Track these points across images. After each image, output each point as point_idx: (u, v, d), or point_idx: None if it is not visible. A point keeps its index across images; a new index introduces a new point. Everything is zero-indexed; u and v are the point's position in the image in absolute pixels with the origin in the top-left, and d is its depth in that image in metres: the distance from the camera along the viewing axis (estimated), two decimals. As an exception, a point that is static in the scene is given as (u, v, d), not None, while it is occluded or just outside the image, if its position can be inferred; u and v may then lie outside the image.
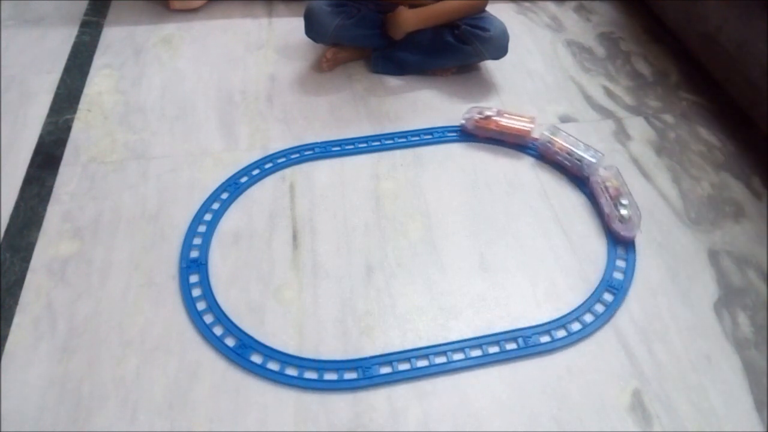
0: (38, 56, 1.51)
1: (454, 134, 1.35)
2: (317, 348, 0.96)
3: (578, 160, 1.23)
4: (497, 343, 0.98)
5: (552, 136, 1.27)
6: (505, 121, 1.29)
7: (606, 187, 1.18)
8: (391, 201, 1.20)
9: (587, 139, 1.35)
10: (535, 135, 1.30)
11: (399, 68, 1.49)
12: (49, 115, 1.34)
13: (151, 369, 0.92)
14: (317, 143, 1.30)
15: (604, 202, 1.17)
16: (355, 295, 1.03)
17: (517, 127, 1.29)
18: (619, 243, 1.13)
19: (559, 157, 1.25)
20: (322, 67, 1.49)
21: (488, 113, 1.29)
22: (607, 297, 1.05)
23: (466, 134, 1.32)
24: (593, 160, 1.23)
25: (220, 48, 1.56)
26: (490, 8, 1.43)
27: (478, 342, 0.97)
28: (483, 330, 0.99)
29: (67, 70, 1.47)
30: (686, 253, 1.13)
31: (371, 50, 1.50)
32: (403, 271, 1.08)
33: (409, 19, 1.37)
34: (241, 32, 1.62)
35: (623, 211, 1.13)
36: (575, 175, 1.25)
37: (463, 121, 1.31)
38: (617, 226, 1.13)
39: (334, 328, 0.99)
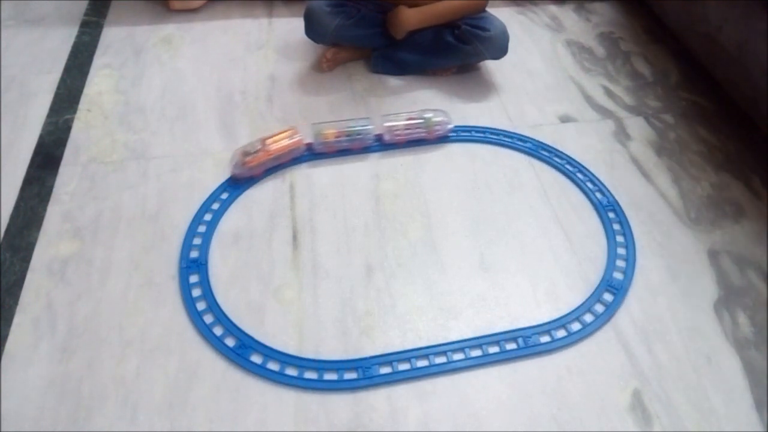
0: (38, 56, 1.51)
1: (454, 134, 1.35)
2: (317, 348, 0.96)
3: (357, 135, 1.26)
4: (497, 343, 0.98)
5: (322, 132, 1.26)
6: (274, 146, 1.22)
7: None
8: (391, 201, 1.20)
9: (587, 139, 1.35)
10: (308, 140, 1.27)
11: (399, 68, 1.49)
12: (49, 115, 1.34)
13: (151, 369, 0.92)
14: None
15: None
16: (355, 295, 1.03)
17: (287, 144, 1.23)
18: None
19: (338, 145, 1.26)
20: (322, 67, 1.49)
21: (252, 149, 1.20)
22: (607, 297, 1.05)
23: (241, 181, 1.20)
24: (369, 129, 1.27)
25: (220, 48, 1.56)
26: (490, 8, 1.43)
27: (478, 342, 0.97)
28: (483, 330, 0.99)
29: (67, 70, 1.47)
30: (686, 253, 1.13)
31: (371, 50, 1.50)
32: (403, 271, 1.08)
33: (410, 18, 1.37)
34: (241, 32, 1.62)
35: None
36: (360, 148, 1.27)
37: (235, 172, 1.20)
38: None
39: (334, 328, 0.99)
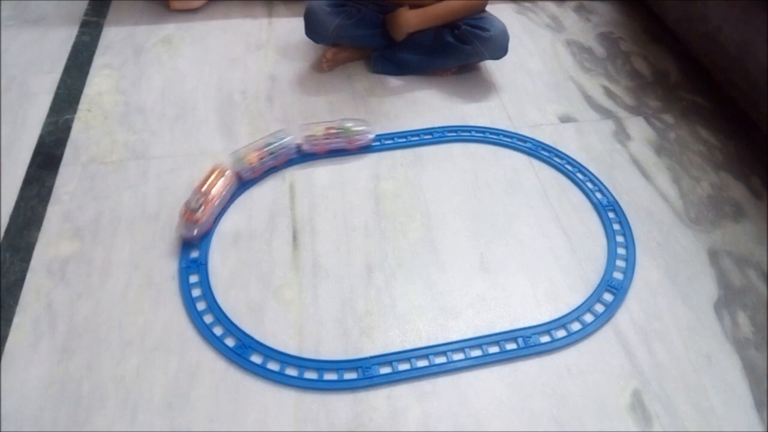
0: (38, 56, 1.51)
1: (454, 134, 1.35)
2: (317, 348, 0.96)
3: (281, 149, 1.21)
4: (497, 343, 0.98)
5: (244, 158, 1.16)
6: (213, 192, 1.12)
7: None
8: (391, 201, 1.20)
9: (587, 139, 1.35)
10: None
11: (399, 68, 1.49)
12: (49, 115, 1.34)
13: (151, 369, 0.92)
14: (317, 143, 1.30)
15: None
16: (355, 295, 1.03)
17: (222, 184, 1.14)
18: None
19: (264, 166, 1.19)
20: (322, 67, 1.49)
21: (196, 205, 1.08)
22: (607, 297, 1.05)
23: (195, 241, 1.09)
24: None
25: (220, 48, 1.56)
26: (490, 8, 1.43)
27: (478, 342, 0.97)
28: (483, 330, 0.99)
29: (67, 70, 1.47)
30: (686, 253, 1.13)
31: (371, 50, 1.50)
32: (403, 271, 1.08)
33: (410, 20, 1.37)
34: (241, 32, 1.62)
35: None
36: (285, 162, 1.22)
37: (187, 235, 1.08)
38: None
39: (334, 328, 0.99)
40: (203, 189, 1.10)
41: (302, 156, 1.25)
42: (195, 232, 1.06)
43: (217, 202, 1.11)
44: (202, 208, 1.07)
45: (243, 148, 1.21)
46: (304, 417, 0.88)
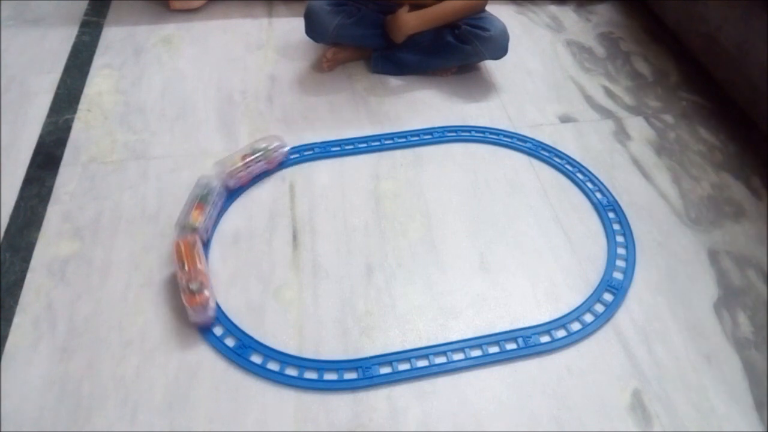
0: (38, 56, 1.51)
1: (454, 134, 1.35)
2: (317, 348, 0.96)
3: (214, 199, 1.11)
4: (497, 343, 0.98)
5: (190, 223, 1.06)
6: (199, 266, 1.00)
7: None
8: (391, 201, 1.20)
9: (587, 139, 1.35)
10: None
11: (399, 68, 1.49)
12: (49, 115, 1.34)
13: (151, 369, 0.92)
14: (317, 143, 1.30)
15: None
16: (355, 295, 1.03)
17: (197, 253, 1.02)
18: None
19: (209, 221, 1.10)
20: (322, 67, 1.49)
21: (196, 288, 0.96)
22: (607, 297, 1.05)
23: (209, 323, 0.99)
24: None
25: (220, 48, 1.56)
26: (490, 8, 1.43)
27: (478, 342, 0.97)
28: (483, 330, 0.99)
29: (67, 70, 1.47)
30: (686, 253, 1.13)
31: (371, 50, 1.50)
32: (403, 271, 1.08)
33: (409, 22, 1.37)
34: (241, 32, 1.62)
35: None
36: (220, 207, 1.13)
37: (199, 319, 0.97)
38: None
39: (334, 328, 0.99)
40: (190, 269, 0.98)
41: (231, 194, 1.19)
42: (210, 312, 0.97)
43: (206, 269, 1.02)
44: (202, 283, 0.97)
45: (183, 209, 1.09)
46: (304, 417, 0.88)
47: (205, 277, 0.98)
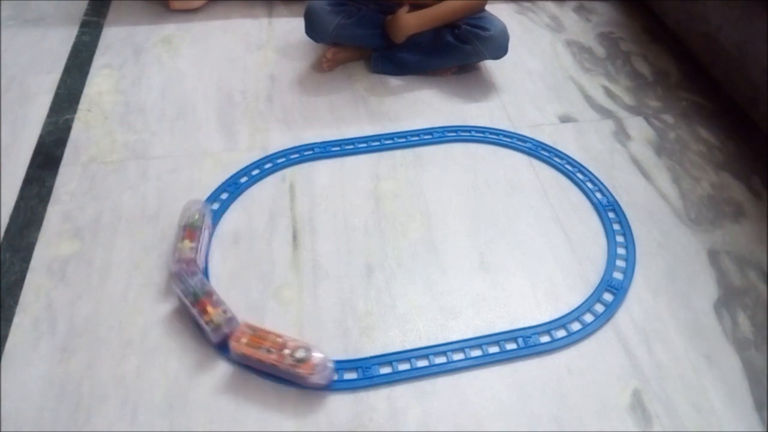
0: (38, 56, 1.51)
1: (454, 134, 1.35)
2: (317, 348, 0.96)
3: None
4: (497, 343, 0.98)
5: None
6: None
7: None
8: (391, 201, 1.20)
9: (587, 139, 1.35)
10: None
11: (399, 68, 1.49)
12: (49, 115, 1.34)
13: (151, 369, 0.92)
14: (317, 143, 1.30)
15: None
16: (355, 295, 1.03)
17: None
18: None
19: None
20: (322, 67, 1.49)
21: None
22: (607, 297, 1.05)
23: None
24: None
25: (220, 48, 1.56)
26: (490, 8, 1.43)
27: (478, 342, 0.97)
28: (483, 330, 0.99)
29: (67, 70, 1.47)
30: (686, 253, 1.13)
31: (371, 50, 1.50)
32: (403, 271, 1.08)
33: (409, 22, 1.37)
34: (241, 32, 1.62)
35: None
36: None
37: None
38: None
39: (334, 328, 0.99)
40: (279, 337, 0.92)
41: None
42: (329, 366, 0.91)
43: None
44: (306, 347, 0.91)
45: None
46: (304, 417, 0.88)
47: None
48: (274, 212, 1.16)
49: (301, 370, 0.88)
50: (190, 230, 1.04)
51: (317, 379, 0.89)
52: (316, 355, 0.89)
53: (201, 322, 0.93)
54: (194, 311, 0.94)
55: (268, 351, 0.89)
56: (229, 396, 0.90)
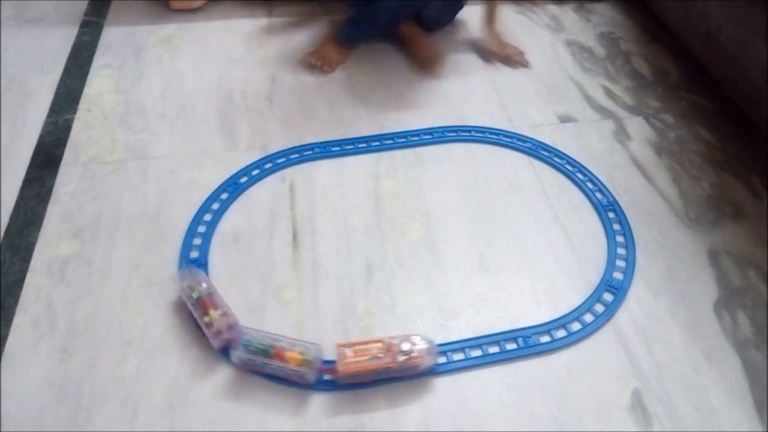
0: (38, 56, 1.51)
1: (454, 134, 1.35)
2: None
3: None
4: (497, 343, 0.98)
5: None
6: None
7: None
8: (391, 201, 1.20)
9: (587, 139, 1.35)
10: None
11: (371, 24, 1.47)
12: (49, 115, 1.34)
13: (151, 369, 0.92)
14: (317, 143, 1.30)
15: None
16: (355, 295, 1.03)
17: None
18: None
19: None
20: (323, 70, 1.49)
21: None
22: (607, 297, 1.05)
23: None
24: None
25: (220, 48, 1.56)
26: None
27: (478, 342, 0.97)
28: (483, 330, 0.99)
29: (67, 70, 1.47)
30: (686, 253, 1.13)
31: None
32: (403, 271, 1.08)
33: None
34: (241, 32, 1.62)
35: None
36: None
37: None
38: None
39: (334, 328, 0.99)
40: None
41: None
42: None
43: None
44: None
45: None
46: (304, 417, 0.88)
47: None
48: (274, 212, 1.16)
49: (416, 361, 0.88)
50: (206, 300, 0.95)
51: (428, 362, 0.90)
52: (418, 340, 0.90)
53: (289, 369, 0.88)
54: (275, 363, 0.88)
55: (377, 358, 0.88)
56: (229, 396, 0.90)
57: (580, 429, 0.88)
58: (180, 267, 1.05)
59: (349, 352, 0.89)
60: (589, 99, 1.47)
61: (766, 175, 1.29)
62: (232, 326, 0.93)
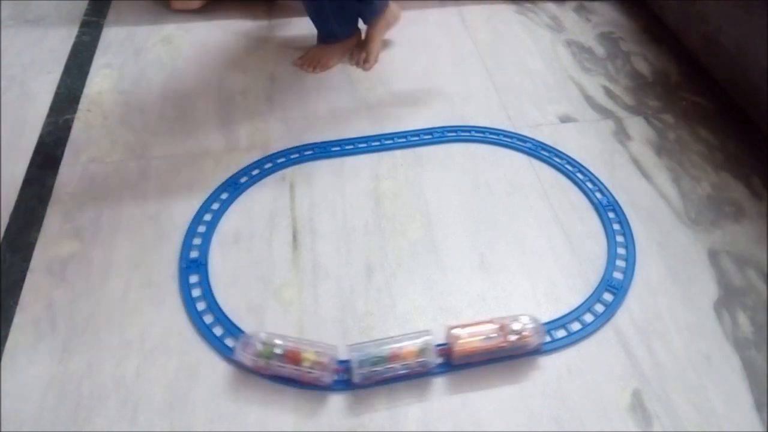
0: (38, 56, 1.51)
1: (454, 134, 1.35)
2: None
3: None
4: (497, 343, 0.98)
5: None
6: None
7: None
8: (391, 201, 1.20)
9: (587, 139, 1.35)
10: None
11: (320, 12, 1.46)
12: (49, 115, 1.34)
13: (151, 369, 0.92)
14: (317, 143, 1.30)
15: None
16: (355, 295, 1.03)
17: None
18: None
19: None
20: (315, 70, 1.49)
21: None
22: (607, 297, 1.05)
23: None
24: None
25: (220, 48, 1.56)
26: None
27: (478, 342, 0.97)
28: (483, 330, 0.99)
29: (67, 70, 1.47)
30: (686, 253, 1.13)
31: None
32: (403, 271, 1.08)
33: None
34: (241, 32, 1.62)
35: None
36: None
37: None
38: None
39: (334, 328, 0.99)
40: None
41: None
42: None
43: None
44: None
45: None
46: (304, 417, 0.88)
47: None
48: (274, 212, 1.16)
49: (527, 340, 0.91)
50: (292, 349, 0.90)
51: (537, 341, 0.93)
52: (527, 320, 0.93)
53: (412, 363, 0.90)
54: (396, 364, 0.90)
55: (490, 338, 0.92)
56: (229, 396, 0.90)
57: (580, 429, 0.88)
58: (180, 266, 1.05)
59: (463, 333, 0.93)
60: (589, 99, 1.47)
61: (766, 175, 1.29)
62: (332, 355, 0.91)
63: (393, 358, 0.90)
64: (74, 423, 0.86)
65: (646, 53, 1.63)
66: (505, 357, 0.94)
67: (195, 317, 0.98)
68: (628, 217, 1.18)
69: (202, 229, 1.12)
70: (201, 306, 1.00)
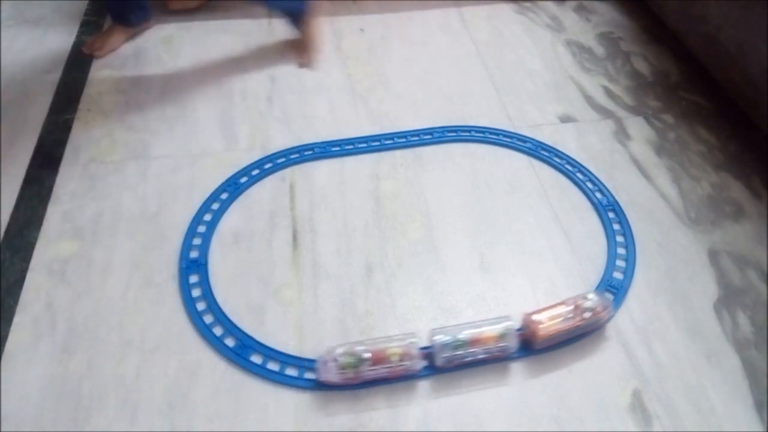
0: (38, 56, 1.51)
1: (454, 134, 1.35)
2: (317, 348, 0.96)
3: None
4: (497, 343, 0.98)
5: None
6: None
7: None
8: (391, 201, 1.20)
9: (587, 139, 1.35)
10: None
11: None
12: (49, 115, 1.34)
13: (151, 369, 0.92)
14: (317, 143, 1.30)
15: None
16: (355, 295, 1.03)
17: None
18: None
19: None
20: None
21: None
22: (607, 297, 1.04)
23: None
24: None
25: (220, 48, 1.56)
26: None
27: (478, 342, 0.97)
28: (483, 330, 0.99)
29: (67, 70, 1.47)
30: (686, 253, 1.13)
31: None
32: (403, 271, 1.08)
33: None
34: (241, 32, 1.62)
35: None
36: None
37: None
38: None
39: (334, 328, 0.99)
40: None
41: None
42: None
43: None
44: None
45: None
46: (304, 417, 0.88)
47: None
48: (274, 212, 1.16)
49: (601, 315, 0.94)
50: (377, 349, 0.91)
51: (608, 314, 0.96)
52: (595, 297, 0.96)
53: (493, 348, 0.93)
54: (477, 348, 0.92)
55: (568, 319, 0.95)
56: (229, 396, 0.90)
57: (580, 429, 0.88)
58: (180, 266, 1.05)
59: (543, 317, 0.95)
60: (589, 99, 1.47)
61: (766, 175, 1.29)
62: (414, 341, 0.93)
63: (474, 342, 0.93)
64: (74, 423, 0.86)
65: (646, 53, 1.63)
66: (580, 335, 0.97)
67: (195, 317, 0.98)
68: (628, 217, 1.18)
69: (202, 229, 1.12)
70: (201, 306, 1.00)
